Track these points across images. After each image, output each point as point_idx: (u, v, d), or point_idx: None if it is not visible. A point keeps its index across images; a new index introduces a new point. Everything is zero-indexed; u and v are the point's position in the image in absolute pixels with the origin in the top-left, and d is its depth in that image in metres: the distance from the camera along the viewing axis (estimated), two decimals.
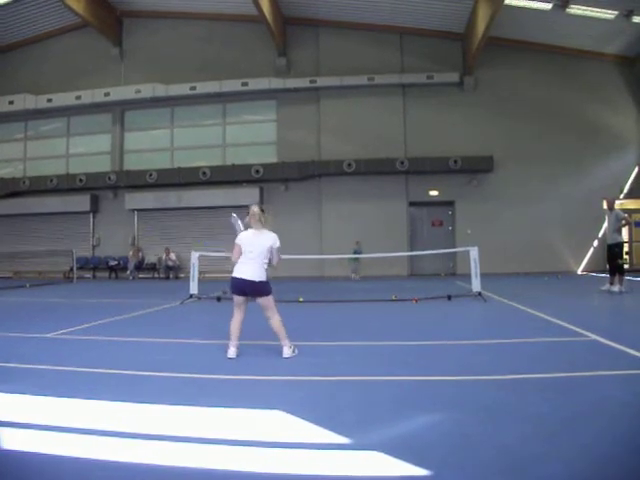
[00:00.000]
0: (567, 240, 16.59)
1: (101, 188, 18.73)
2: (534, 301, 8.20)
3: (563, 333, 5.34)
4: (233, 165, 17.92)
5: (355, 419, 2.79)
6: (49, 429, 2.68)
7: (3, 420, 2.82)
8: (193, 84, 17.89)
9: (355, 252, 14.95)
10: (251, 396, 3.31)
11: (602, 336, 4.90)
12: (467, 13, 16.08)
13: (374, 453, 2.32)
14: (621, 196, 16.53)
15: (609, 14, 14.85)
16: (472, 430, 2.59)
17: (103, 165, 19.12)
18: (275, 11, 16.69)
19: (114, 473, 2.20)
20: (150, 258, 18.43)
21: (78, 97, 18.39)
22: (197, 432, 2.65)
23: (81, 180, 18.40)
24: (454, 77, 17.22)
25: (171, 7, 18.48)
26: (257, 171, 17.42)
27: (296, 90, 17.78)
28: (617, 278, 9.39)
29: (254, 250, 4.37)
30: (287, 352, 4.36)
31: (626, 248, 14.73)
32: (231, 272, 4.47)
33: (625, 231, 12.72)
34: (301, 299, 8.87)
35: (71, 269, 17.09)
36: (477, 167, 16.82)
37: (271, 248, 4.42)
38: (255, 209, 4.46)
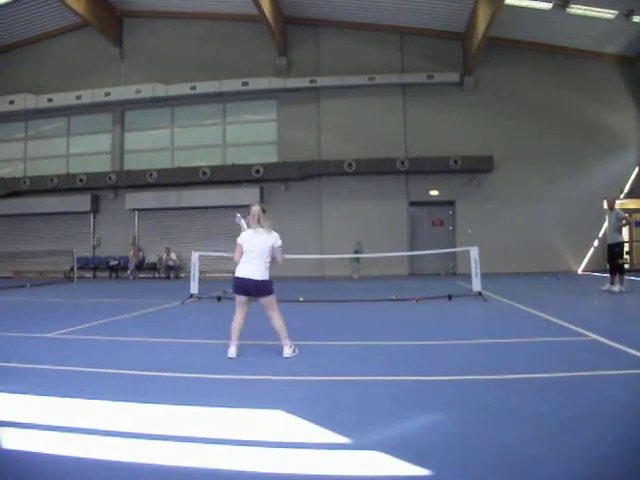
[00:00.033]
0: (567, 240, 16.59)
1: (101, 188, 18.73)
2: (534, 301, 8.20)
3: (563, 333, 5.35)
4: (233, 165, 17.92)
5: (355, 419, 2.79)
6: (50, 429, 2.68)
7: (5, 420, 2.83)
8: (193, 84, 17.88)
9: (356, 252, 14.96)
10: (252, 396, 3.32)
11: (602, 336, 4.90)
12: (467, 13, 16.07)
13: (374, 453, 2.32)
14: (621, 196, 16.52)
15: (609, 14, 14.84)
16: (472, 430, 2.59)
17: (103, 165, 19.12)
18: (275, 11, 16.69)
19: (116, 473, 2.21)
20: (150, 258, 18.43)
21: (78, 97, 18.38)
22: (199, 432, 2.66)
23: (81, 180, 18.40)
24: (454, 77, 17.21)
25: (171, 7, 18.47)
26: (257, 171, 17.42)
27: (296, 90, 17.77)
28: (617, 278, 9.39)
29: (255, 250, 4.38)
30: (287, 352, 4.37)
31: (626, 248, 14.72)
32: (234, 272, 4.47)
33: (625, 231, 12.72)
34: (301, 299, 8.89)
35: (72, 269, 17.10)
36: (477, 167, 16.82)
37: (273, 247, 4.43)
38: (255, 208, 4.47)
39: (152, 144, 19.28)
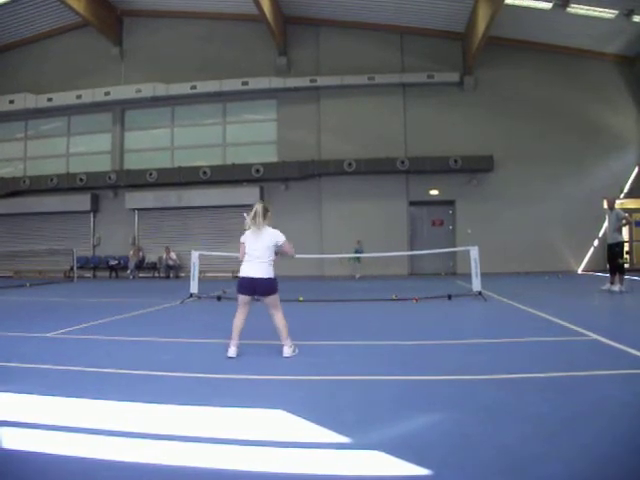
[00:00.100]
0: (567, 240, 16.59)
1: (101, 187, 18.73)
2: (534, 300, 8.21)
3: (563, 333, 5.35)
4: (233, 164, 17.92)
5: (355, 419, 2.79)
6: (52, 429, 2.68)
7: (7, 420, 2.83)
8: (193, 83, 17.87)
9: (356, 251, 14.96)
10: (252, 395, 3.32)
11: (603, 336, 4.90)
12: (467, 13, 16.07)
13: (374, 453, 2.32)
14: (621, 195, 16.53)
15: (609, 13, 14.83)
16: (472, 430, 2.59)
17: (103, 164, 19.12)
18: (275, 10, 16.69)
19: (118, 473, 2.21)
20: (150, 257, 18.44)
21: (78, 96, 18.38)
22: (199, 431, 2.66)
23: (81, 179, 18.39)
24: (454, 77, 17.21)
25: (171, 6, 18.47)
26: (257, 170, 17.42)
27: (296, 89, 17.77)
28: (617, 277, 9.39)
29: (258, 248, 4.38)
30: (287, 351, 4.37)
31: (626, 247, 14.73)
32: (234, 272, 4.49)
33: (625, 230, 12.74)
34: (301, 298, 8.89)
35: (71, 268, 17.10)
36: (477, 167, 16.82)
37: (276, 245, 4.44)
38: (258, 207, 4.46)
39: (152, 144, 19.29)
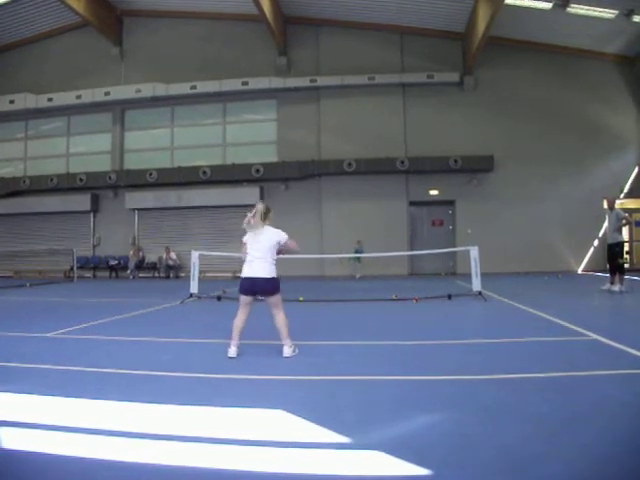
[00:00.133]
0: (567, 240, 16.59)
1: (101, 187, 18.73)
2: (534, 300, 8.21)
3: (563, 333, 5.34)
4: (233, 164, 17.92)
5: (355, 419, 2.79)
6: (52, 429, 2.68)
7: (7, 420, 2.83)
8: (193, 83, 17.88)
9: (356, 251, 14.96)
10: (252, 395, 3.32)
11: (603, 336, 4.90)
12: (467, 13, 16.07)
13: (374, 453, 2.32)
14: (621, 195, 16.53)
15: (609, 13, 14.84)
16: (472, 430, 2.59)
17: (103, 164, 19.12)
18: (275, 10, 16.69)
19: (118, 473, 2.21)
20: (150, 257, 18.44)
21: (78, 96, 18.38)
22: (199, 431, 2.66)
23: (81, 179, 18.39)
24: (454, 77, 17.21)
25: (171, 6, 18.47)
26: (257, 170, 17.42)
27: (296, 89, 17.77)
28: (617, 277, 9.39)
29: (260, 248, 4.39)
30: (287, 351, 4.37)
31: (626, 247, 14.73)
32: (235, 272, 4.50)
33: (625, 230, 12.73)
34: (301, 298, 8.89)
35: (71, 268, 17.10)
36: (477, 167, 16.82)
37: (278, 244, 4.44)
38: (259, 207, 4.46)
39: (152, 143, 19.29)
